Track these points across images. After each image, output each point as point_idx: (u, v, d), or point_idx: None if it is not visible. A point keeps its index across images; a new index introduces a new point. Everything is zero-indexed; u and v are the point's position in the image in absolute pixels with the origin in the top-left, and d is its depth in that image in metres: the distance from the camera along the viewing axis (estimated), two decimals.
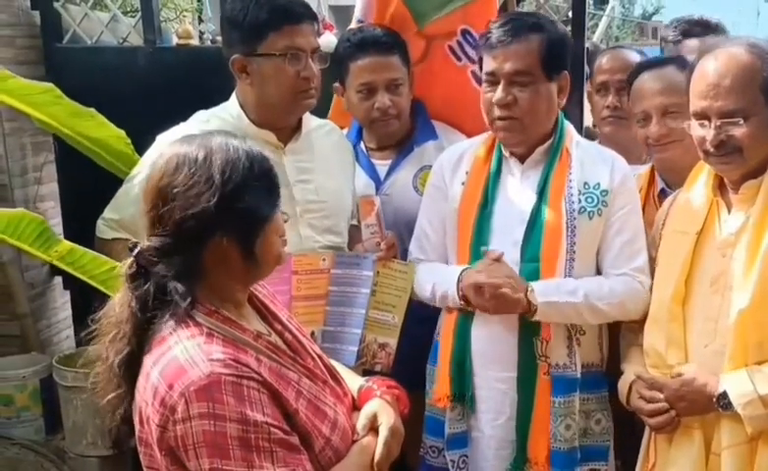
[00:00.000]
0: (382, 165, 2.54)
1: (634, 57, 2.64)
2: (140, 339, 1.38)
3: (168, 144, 1.48)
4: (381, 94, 2.40)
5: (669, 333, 1.93)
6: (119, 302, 1.42)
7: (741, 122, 1.80)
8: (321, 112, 2.46)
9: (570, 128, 2.21)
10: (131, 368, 1.39)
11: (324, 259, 2.17)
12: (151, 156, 2.15)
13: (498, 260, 2.05)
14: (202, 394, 1.28)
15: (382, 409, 1.53)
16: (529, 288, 2.02)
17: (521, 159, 2.16)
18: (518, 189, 2.14)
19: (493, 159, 2.18)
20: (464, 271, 2.10)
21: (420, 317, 2.25)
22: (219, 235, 1.38)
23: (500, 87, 2.07)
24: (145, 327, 1.38)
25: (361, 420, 1.52)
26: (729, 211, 1.92)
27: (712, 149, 1.85)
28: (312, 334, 2.09)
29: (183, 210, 1.36)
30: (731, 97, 1.80)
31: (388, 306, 2.20)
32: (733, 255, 1.87)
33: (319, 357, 1.58)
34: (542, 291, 2.02)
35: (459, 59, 2.56)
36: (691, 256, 1.93)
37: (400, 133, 2.51)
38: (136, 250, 1.39)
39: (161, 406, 1.30)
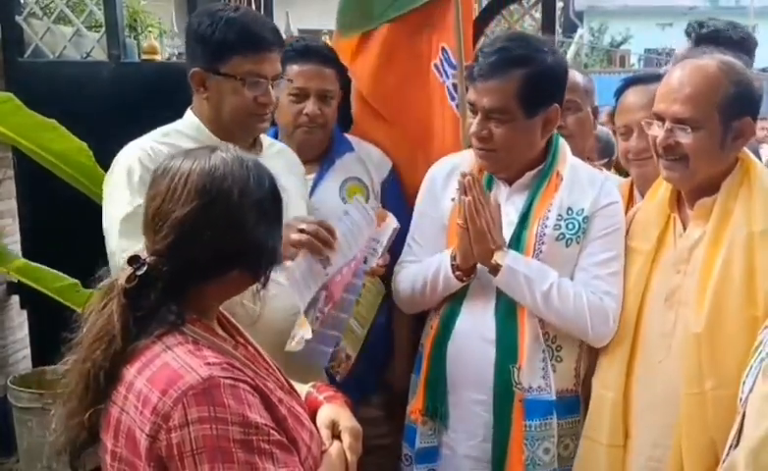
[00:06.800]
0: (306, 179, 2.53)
1: (576, 75, 2.65)
2: (126, 351, 1.32)
3: (189, 168, 1.35)
4: (312, 101, 2.43)
5: (616, 354, 1.95)
6: (108, 313, 1.33)
7: (689, 130, 1.82)
8: None
9: (565, 150, 2.14)
10: (110, 380, 1.33)
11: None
12: (121, 174, 2.05)
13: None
14: (202, 398, 1.23)
15: (338, 415, 1.51)
16: (504, 248, 1.99)
17: (510, 182, 2.13)
18: (503, 212, 2.08)
19: (484, 179, 2.13)
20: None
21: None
22: (237, 270, 1.37)
23: (477, 120, 2.03)
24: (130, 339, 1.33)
25: (323, 431, 1.49)
26: (684, 227, 1.93)
27: (660, 150, 1.87)
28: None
29: (205, 248, 1.33)
30: (686, 105, 1.82)
31: (362, 318, 2.21)
32: (686, 271, 1.88)
33: (278, 369, 1.55)
34: (514, 258, 2.00)
35: (441, 76, 2.58)
36: (646, 276, 1.94)
37: (320, 146, 2.52)
38: (139, 266, 1.32)
39: (152, 414, 1.25)
